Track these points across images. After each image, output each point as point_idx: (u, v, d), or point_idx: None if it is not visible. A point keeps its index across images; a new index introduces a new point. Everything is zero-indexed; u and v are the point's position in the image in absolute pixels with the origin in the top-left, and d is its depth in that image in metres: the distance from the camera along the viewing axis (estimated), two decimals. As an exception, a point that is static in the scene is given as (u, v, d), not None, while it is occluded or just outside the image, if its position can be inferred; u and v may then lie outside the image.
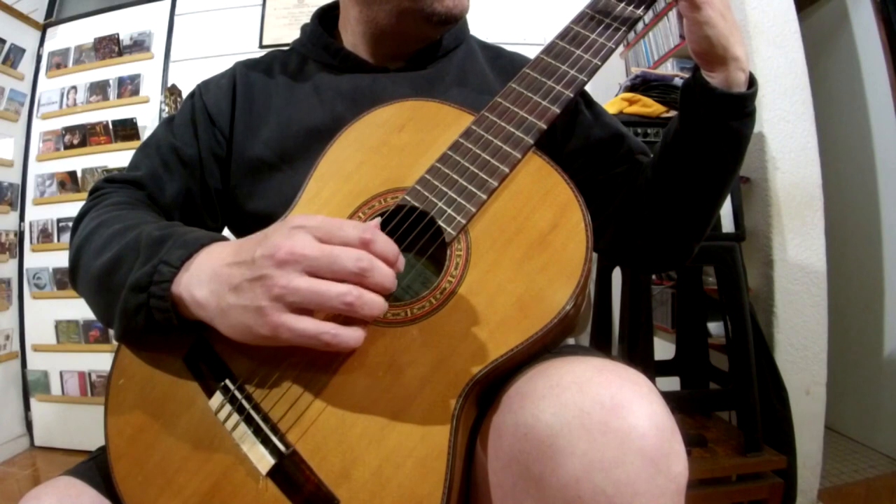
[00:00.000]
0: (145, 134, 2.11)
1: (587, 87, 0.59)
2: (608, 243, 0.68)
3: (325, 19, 0.74)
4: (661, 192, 0.61)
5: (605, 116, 0.71)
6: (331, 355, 0.44)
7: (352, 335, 0.41)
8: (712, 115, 0.56)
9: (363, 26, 0.68)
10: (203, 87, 0.70)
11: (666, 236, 0.64)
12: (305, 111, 0.66)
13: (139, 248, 0.48)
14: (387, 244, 0.42)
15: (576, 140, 0.68)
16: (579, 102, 0.71)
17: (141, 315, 0.46)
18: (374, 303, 0.40)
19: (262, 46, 2.07)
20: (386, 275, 0.41)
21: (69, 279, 0.57)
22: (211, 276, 0.43)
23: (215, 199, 0.67)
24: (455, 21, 0.65)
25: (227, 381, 0.46)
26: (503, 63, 0.73)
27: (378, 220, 0.46)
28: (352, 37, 0.70)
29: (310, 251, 0.40)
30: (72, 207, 2.13)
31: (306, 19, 0.75)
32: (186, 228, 0.50)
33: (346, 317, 0.41)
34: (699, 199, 0.61)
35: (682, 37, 1.67)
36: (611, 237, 0.67)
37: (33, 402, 2.15)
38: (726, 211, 1.40)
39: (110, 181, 0.64)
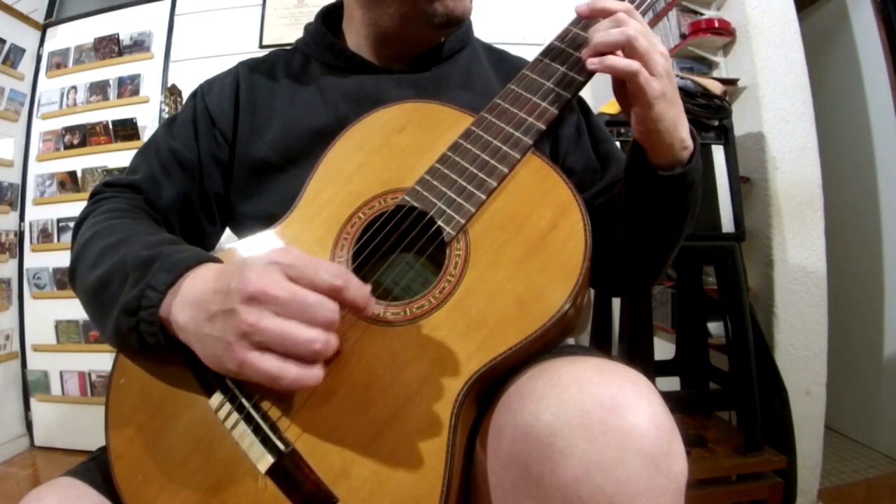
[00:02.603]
0: (145, 134, 2.11)
1: (587, 88, 0.59)
2: None
3: (329, 19, 0.74)
4: (618, 240, 0.61)
5: (603, 138, 0.71)
6: (331, 356, 0.44)
7: (312, 375, 0.40)
8: (656, 193, 0.55)
9: (367, 29, 0.68)
10: (205, 88, 0.70)
11: (624, 272, 0.64)
12: (309, 112, 0.66)
13: (127, 269, 0.48)
14: (358, 291, 0.41)
15: (575, 158, 0.68)
16: (580, 118, 0.70)
17: (133, 337, 0.47)
18: (335, 347, 0.40)
19: (262, 46, 2.07)
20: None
21: (69, 283, 0.57)
22: (192, 302, 0.44)
23: (213, 202, 0.67)
24: (458, 23, 0.65)
25: (227, 380, 0.46)
26: (507, 67, 0.72)
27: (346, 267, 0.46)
28: (356, 38, 0.70)
29: (280, 293, 0.39)
30: (72, 207, 2.13)
31: (306, 19, 0.75)
32: (174, 248, 0.50)
33: None
34: (652, 250, 0.61)
35: (682, 36, 1.67)
36: None
37: (33, 402, 2.14)
38: (726, 211, 1.40)
39: (109, 185, 0.64)
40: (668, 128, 0.51)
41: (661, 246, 0.60)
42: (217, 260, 0.49)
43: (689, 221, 0.59)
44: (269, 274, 0.40)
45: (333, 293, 0.40)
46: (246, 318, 0.39)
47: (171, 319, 0.45)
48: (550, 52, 0.57)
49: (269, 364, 0.39)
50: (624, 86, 0.51)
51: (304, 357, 0.40)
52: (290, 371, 0.39)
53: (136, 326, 0.46)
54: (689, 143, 0.54)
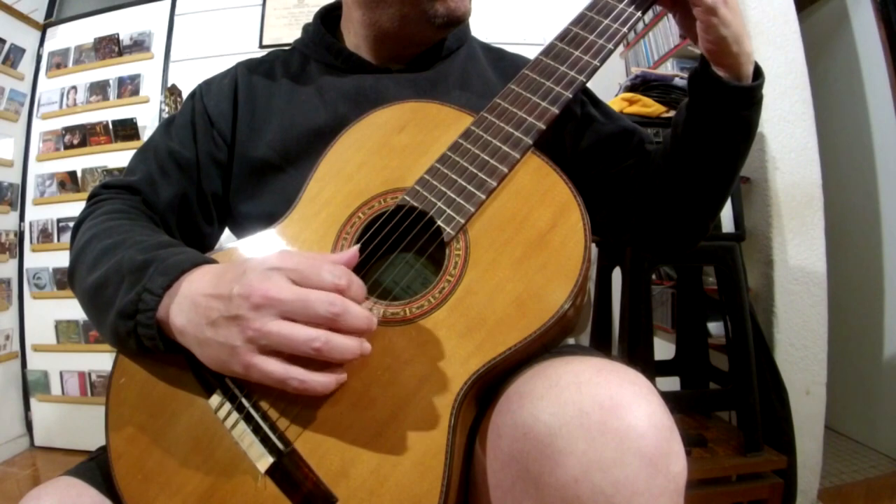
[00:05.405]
0: (145, 134, 2.11)
1: (587, 87, 0.59)
2: (626, 231, 0.69)
3: (328, 19, 0.74)
4: (676, 178, 0.61)
5: (612, 113, 0.72)
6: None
7: (320, 380, 0.40)
8: (724, 107, 0.57)
9: (366, 29, 0.68)
10: (204, 88, 0.70)
11: (682, 218, 0.64)
12: (308, 112, 0.66)
13: (123, 273, 0.49)
14: (360, 290, 0.42)
15: (587, 139, 0.68)
16: (586, 103, 0.71)
17: (132, 340, 0.47)
18: (345, 346, 0.40)
19: (262, 46, 2.07)
20: (360, 317, 0.41)
21: (68, 285, 0.58)
22: (190, 306, 0.44)
23: (212, 203, 0.67)
24: (457, 23, 0.65)
25: (227, 380, 0.46)
26: (505, 65, 0.73)
27: (356, 248, 0.46)
28: (354, 38, 0.70)
29: (284, 295, 0.40)
30: (72, 207, 2.13)
31: (306, 19, 0.75)
32: (169, 250, 0.50)
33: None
34: (713, 182, 0.62)
35: (682, 36, 1.67)
36: (628, 226, 0.68)
37: (33, 402, 2.14)
38: (726, 211, 1.40)
39: (107, 186, 0.64)
40: (734, 35, 0.54)
41: (726, 168, 0.61)
42: (213, 261, 0.49)
43: (749, 146, 0.61)
44: (272, 279, 0.41)
45: (337, 291, 0.41)
46: (252, 323, 0.40)
47: (169, 322, 0.45)
48: (551, 52, 0.57)
49: (275, 367, 0.40)
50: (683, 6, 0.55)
51: (309, 358, 0.40)
52: (294, 374, 0.40)
53: (134, 329, 0.46)
54: (752, 56, 0.56)
